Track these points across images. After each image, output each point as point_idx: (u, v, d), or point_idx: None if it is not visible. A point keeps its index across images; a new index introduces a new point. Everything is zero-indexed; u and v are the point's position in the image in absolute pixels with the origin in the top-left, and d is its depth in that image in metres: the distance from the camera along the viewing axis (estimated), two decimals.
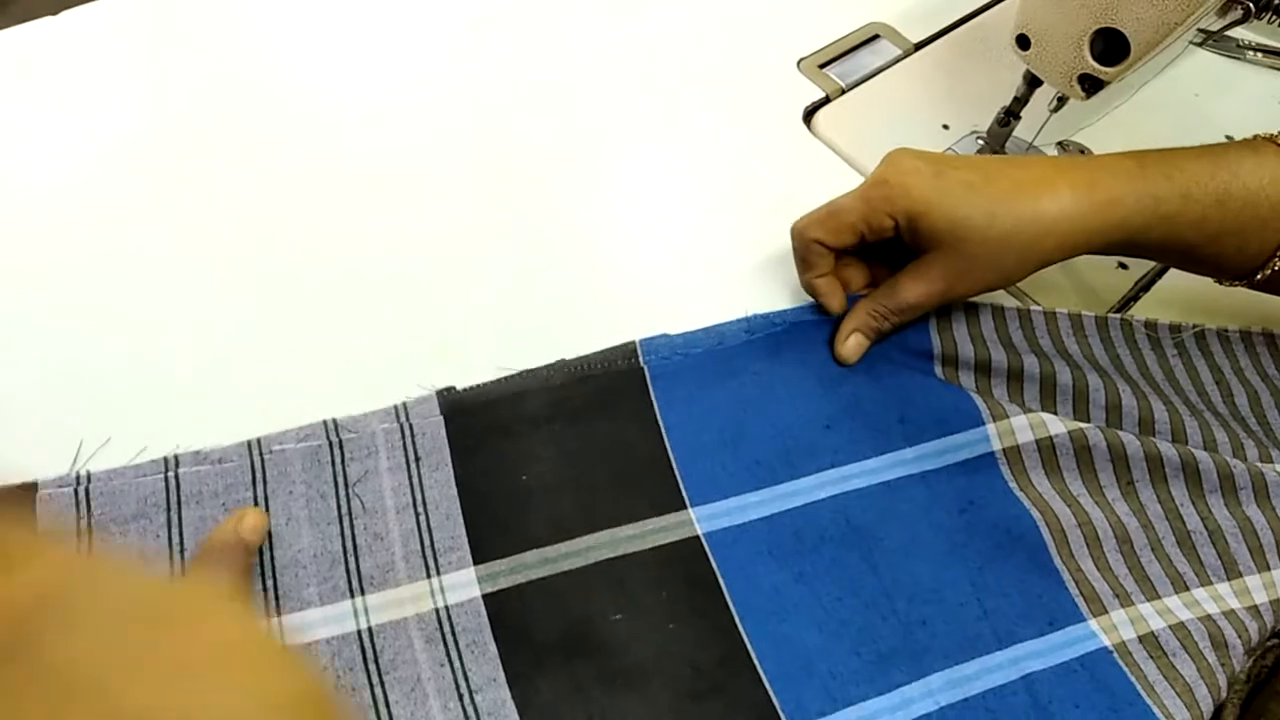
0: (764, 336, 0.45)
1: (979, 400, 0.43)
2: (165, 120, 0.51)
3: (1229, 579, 0.41)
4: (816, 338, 0.45)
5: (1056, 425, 0.42)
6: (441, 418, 0.41)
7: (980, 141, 0.54)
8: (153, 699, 0.22)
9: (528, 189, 0.50)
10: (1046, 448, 0.42)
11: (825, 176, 0.52)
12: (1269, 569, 0.41)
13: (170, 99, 0.52)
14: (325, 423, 0.40)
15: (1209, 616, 0.39)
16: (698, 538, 0.40)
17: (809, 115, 0.55)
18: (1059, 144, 0.55)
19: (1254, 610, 0.40)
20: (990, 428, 0.42)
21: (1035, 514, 0.41)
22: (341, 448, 0.40)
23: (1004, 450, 0.42)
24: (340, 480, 0.39)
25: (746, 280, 0.48)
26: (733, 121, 0.54)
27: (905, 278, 0.43)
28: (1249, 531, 0.42)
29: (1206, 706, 0.37)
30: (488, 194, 0.50)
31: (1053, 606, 0.39)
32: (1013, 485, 0.42)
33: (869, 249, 0.45)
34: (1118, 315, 0.48)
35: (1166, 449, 0.42)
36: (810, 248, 0.44)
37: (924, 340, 0.45)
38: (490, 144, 0.52)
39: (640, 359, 0.43)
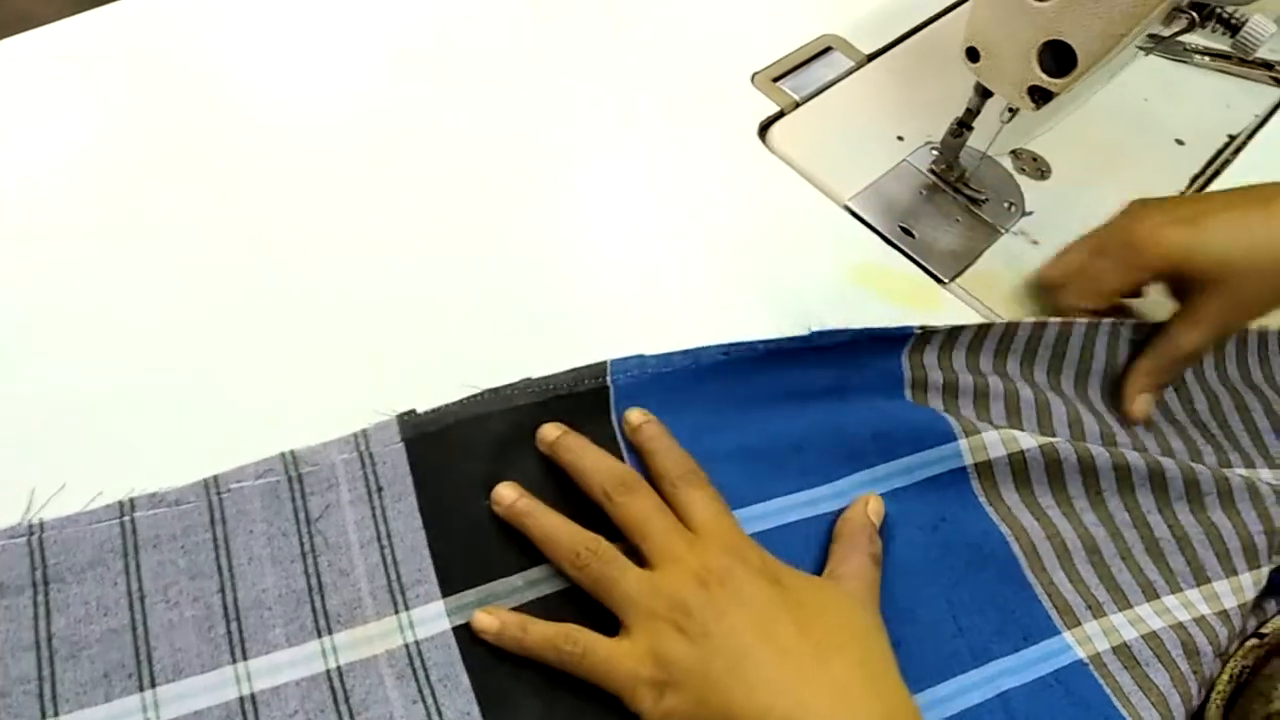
0: (739, 359, 0.44)
1: (950, 418, 0.43)
2: (111, 146, 0.49)
3: (1198, 585, 0.41)
4: (796, 359, 0.44)
5: (1028, 440, 0.42)
6: (403, 444, 0.40)
7: (934, 152, 0.54)
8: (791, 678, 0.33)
9: (488, 205, 0.50)
10: (1018, 462, 0.42)
11: (782, 192, 0.52)
12: (1236, 574, 0.42)
13: (116, 127, 0.50)
14: (283, 456, 0.39)
15: (1180, 624, 0.39)
16: None
17: (764, 129, 0.55)
18: (1012, 153, 0.56)
19: (1224, 615, 0.40)
20: (962, 443, 0.42)
21: (1005, 529, 0.41)
22: (300, 482, 0.39)
23: (975, 465, 0.42)
24: (301, 516, 0.39)
25: (713, 300, 0.48)
26: (688, 137, 0.54)
27: (1180, 326, 0.44)
28: (1215, 537, 0.42)
29: (1180, 715, 0.37)
30: (447, 210, 0.49)
31: (1026, 621, 0.39)
32: (983, 500, 0.42)
33: None
34: (1083, 321, 0.47)
35: (1133, 457, 0.42)
36: (1069, 310, 0.46)
37: (894, 367, 0.45)
38: (450, 160, 0.51)
39: (608, 378, 0.43)
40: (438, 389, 0.41)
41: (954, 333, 0.45)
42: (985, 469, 0.42)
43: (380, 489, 0.39)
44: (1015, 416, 0.45)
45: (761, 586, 0.35)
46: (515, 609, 0.38)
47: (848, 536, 0.39)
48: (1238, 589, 0.41)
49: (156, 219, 0.47)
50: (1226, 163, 0.58)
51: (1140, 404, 0.45)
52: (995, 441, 0.42)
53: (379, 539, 0.39)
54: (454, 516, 0.39)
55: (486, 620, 0.37)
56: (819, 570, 0.39)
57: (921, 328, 0.44)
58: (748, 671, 0.33)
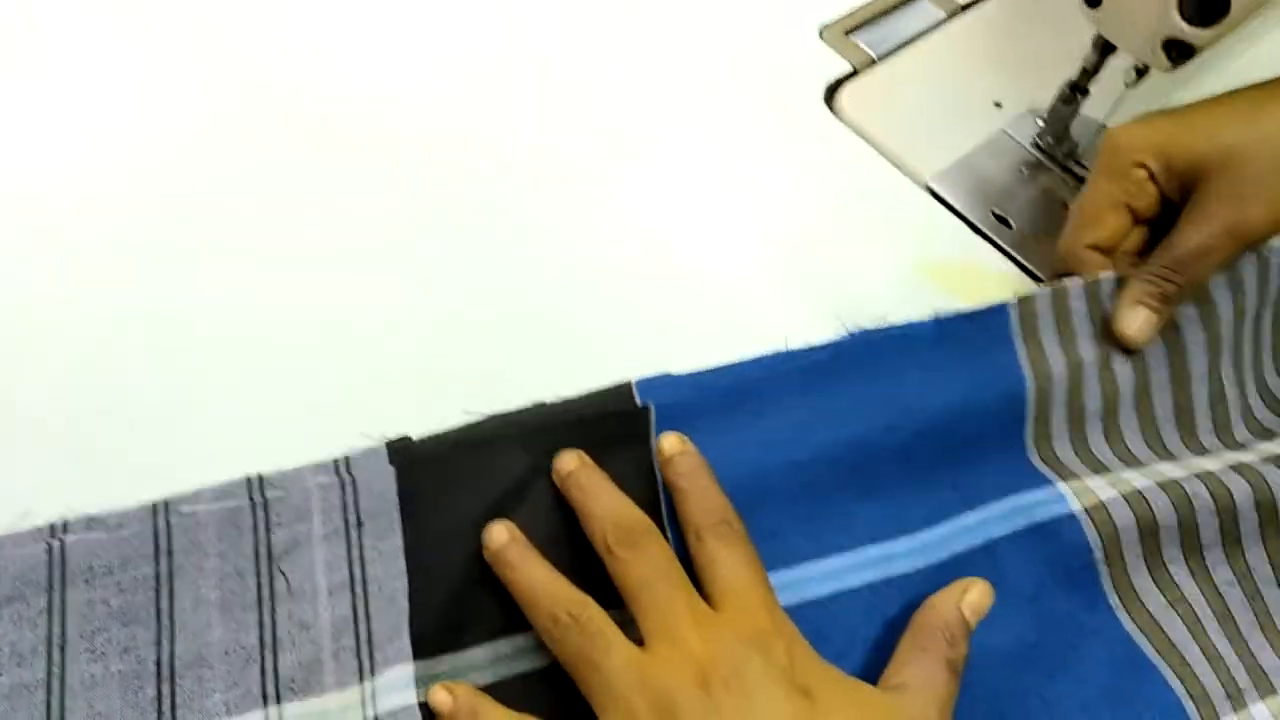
0: (795, 370, 0.36)
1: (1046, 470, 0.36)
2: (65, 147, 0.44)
3: None
4: (884, 366, 0.36)
5: (1143, 481, 0.34)
6: (392, 471, 0.34)
7: (1039, 122, 0.45)
8: None
9: (505, 196, 0.43)
10: (1138, 503, 0.34)
11: (850, 168, 0.44)
12: None
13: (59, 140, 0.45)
14: (248, 479, 0.34)
15: None
16: None
17: (831, 92, 0.47)
18: None
19: None
20: (1061, 486, 0.35)
21: (1115, 599, 0.33)
22: (266, 509, 0.33)
23: (1087, 509, 0.34)
24: (262, 552, 0.33)
25: (763, 303, 0.40)
26: (738, 104, 0.46)
27: (1180, 222, 0.37)
28: None
29: None
30: (457, 201, 0.43)
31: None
32: (1097, 554, 0.34)
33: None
34: None
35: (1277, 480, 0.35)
36: (1085, 258, 0.38)
37: (1015, 379, 0.37)
38: (464, 143, 0.44)
39: (638, 401, 0.36)
40: (434, 415, 0.35)
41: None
42: (1099, 511, 0.34)
43: (361, 523, 0.33)
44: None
45: (781, 697, 0.28)
46: (490, 685, 0.31)
47: (925, 632, 0.31)
48: None
49: (132, 219, 0.42)
50: None
51: (1136, 319, 0.37)
52: (1102, 485, 0.34)
53: (352, 585, 0.33)
54: (443, 562, 0.33)
55: (441, 698, 0.30)
56: (883, 655, 0.31)
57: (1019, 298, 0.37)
58: None
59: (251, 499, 0.33)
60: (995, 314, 0.37)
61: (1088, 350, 0.37)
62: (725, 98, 0.46)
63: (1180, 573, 0.34)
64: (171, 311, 0.39)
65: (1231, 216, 0.35)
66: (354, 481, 0.34)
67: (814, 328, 0.38)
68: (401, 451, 0.35)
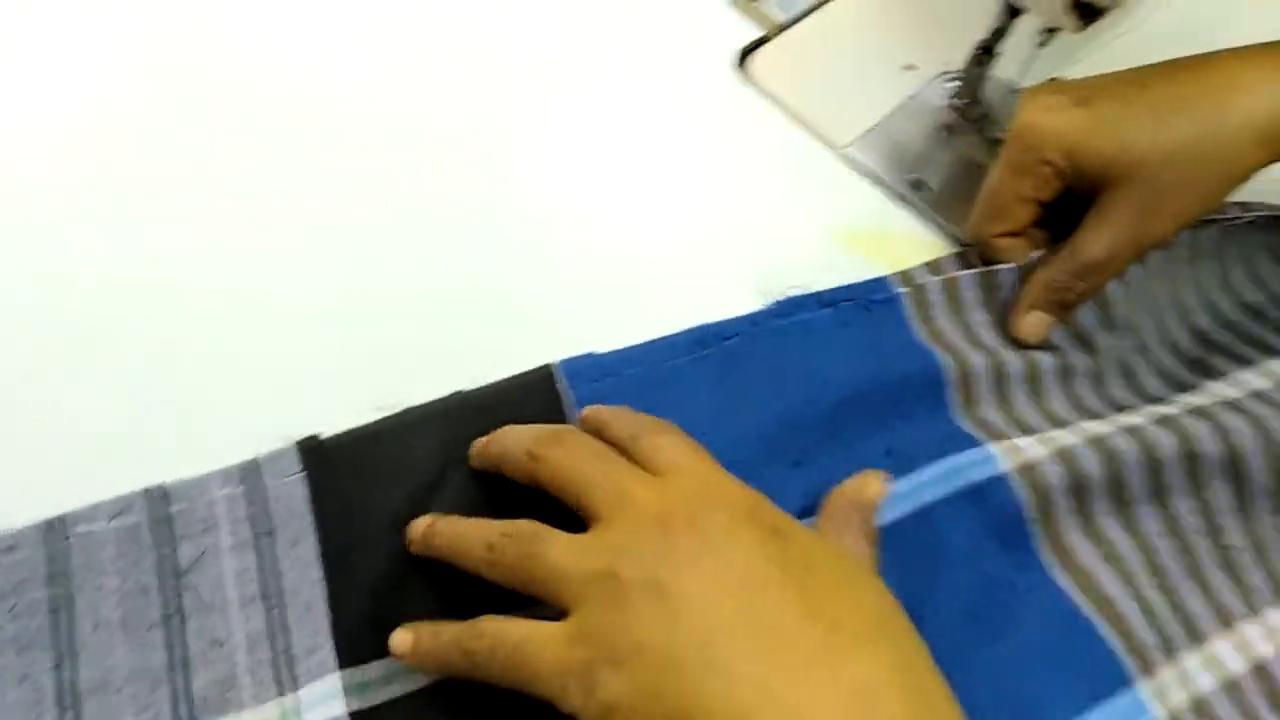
0: (719, 350, 0.36)
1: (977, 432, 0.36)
2: None
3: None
4: (792, 348, 0.37)
5: (1069, 438, 0.35)
6: (303, 474, 0.33)
7: (953, 84, 0.45)
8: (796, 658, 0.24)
9: (411, 170, 0.41)
10: (1069, 462, 0.34)
11: (764, 136, 0.43)
12: None
13: None
14: (148, 491, 0.32)
15: (1261, 665, 0.33)
16: None
17: (743, 59, 0.46)
18: (1052, 79, 0.46)
19: None
20: (992, 447, 0.35)
21: (1051, 559, 0.33)
22: (169, 524, 0.32)
23: (1017, 469, 0.34)
24: (167, 567, 0.31)
25: (678, 275, 0.39)
26: (650, 75, 0.45)
27: (1084, 230, 0.36)
28: None
29: None
30: (358, 174, 0.40)
31: (1096, 672, 0.32)
32: (1031, 519, 0.34)
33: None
34: None
35: (1206, 437, 0.35)
36: (994, 245, 0.38)
37: (907, 337, 0.37)
38: (365, 119, 0.42)
39: (562, 383, 0.35)
40: (349, 404, 0.34)
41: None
42: (1029, 471, 0.34)
43: (271, 532, 0.32)
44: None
45: (751, 534, 0.26)
46: (427, 688, 0.30)
47: (840, 513, 0.31)
48: None
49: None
50: None
51: (1031, 321, 0.37)
52: (1031, 443, 0.35)
53: (266, 596, 0.31)
54: (363, 565, 0.32)
55: (400, 637, 0.29)
56: None
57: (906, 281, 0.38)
58: (721, 654, 0.24)
59: (152, 514, 0.32)
60: (889, 306, 0.38)
61: (988, 338, 0.38)
62: (634, 67, 0.45)
63: (1112, 527, 0.35)
64: (53, 304, 0.36)
65: (1136, 229, 0.35)
66: (262, 488, 0.32)
67: (735, 299, 0.37)
68: (311, 452, 0.33)
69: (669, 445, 0.29)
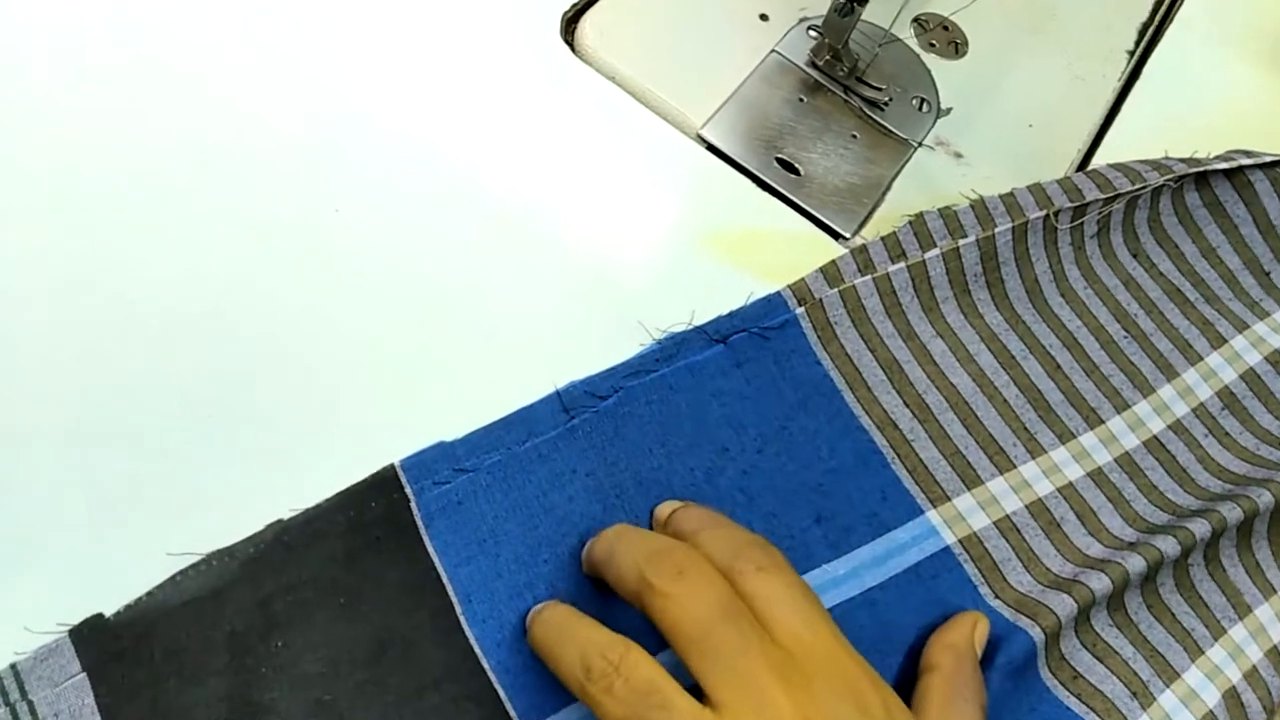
0: (592, 416, 0.30)
1: (901, 471, 0.31)
2: None
3: (1241, 618, 0.32)
4: (677, 401, 0.30)
5: (1010, 499, 0.31)
6: (82, 675, 0.25)
7: (814, 35, 0.38)
8: None
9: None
10: (1008, 529, 0.31)
11: (599, 120, 0.36)
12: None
13: None
14: None
15: (1231, 689, 0.31)
16: None
17: (569, 25, 0.38)
18: (915, 22, 0.40)
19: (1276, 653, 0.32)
20: (932, 515, 0.31)
21: (1033, 631, 0.29)
22: None
23: (961, 542, 0.30)
24: None
25: (527, 314, 0.32)
26: (453, 43, 0.36)
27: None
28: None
29: None
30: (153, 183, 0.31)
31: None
32: (990, 599, 0.30)
33: None
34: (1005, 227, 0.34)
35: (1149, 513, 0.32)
36: None
37: (812, 366, 0.32)
38: (184, 115, 0.33)
39: (406, 489, 0.28)
40: (136, 571, 0.26)
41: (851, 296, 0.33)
42: (975, 546, 0.31)
43: None
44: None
45: None
46: None
47: (955, 675, 0.27)
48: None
49: None
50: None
51: None
52: (972, 507, 0.31)
53: None
54: None
55: None
56: None
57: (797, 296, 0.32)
58: None
59: None
60: (786, 332, 0.32)
61: (899, 349, 0.32)
62: (436, 34, 0.36)
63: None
64: None
65: None
66: (29, 704, 0.25)
67: (598, 342, 0.31)
68: (94, 637, 0.25)
69: (778, 592, 0.25)
